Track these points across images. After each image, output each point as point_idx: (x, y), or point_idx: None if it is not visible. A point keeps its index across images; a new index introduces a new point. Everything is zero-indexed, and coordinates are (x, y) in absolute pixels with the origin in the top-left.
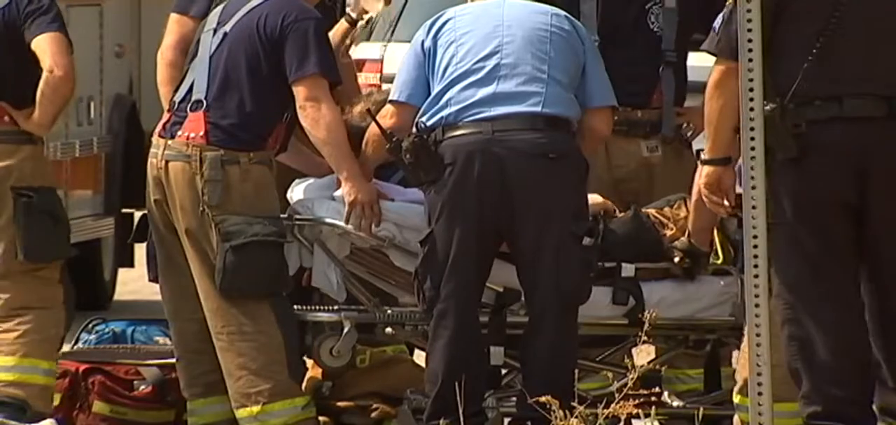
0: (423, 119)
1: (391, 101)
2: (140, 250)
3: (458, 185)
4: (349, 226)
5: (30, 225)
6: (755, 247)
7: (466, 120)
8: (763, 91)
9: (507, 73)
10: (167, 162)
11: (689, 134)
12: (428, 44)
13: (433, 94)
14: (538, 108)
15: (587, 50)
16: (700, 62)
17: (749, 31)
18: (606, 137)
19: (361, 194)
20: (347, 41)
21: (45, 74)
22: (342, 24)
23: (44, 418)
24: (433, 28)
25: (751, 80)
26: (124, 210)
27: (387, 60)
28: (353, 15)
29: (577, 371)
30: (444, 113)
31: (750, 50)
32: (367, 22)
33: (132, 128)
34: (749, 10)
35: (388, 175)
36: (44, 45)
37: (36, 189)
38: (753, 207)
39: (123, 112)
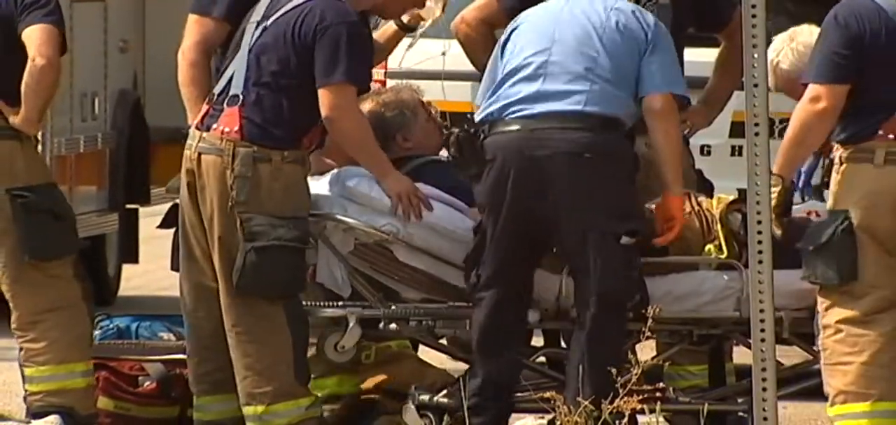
0: (476, 113)
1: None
2: (144, 247)
3: (496, 184)
4: (352, 221)
5: (30, 224)
6: (759, 242)
7: (508, 117)
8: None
9: (554, 70)
10: (200, 154)
11: (686, 131)
12: (500, 43)
13: (492, 88)
14: (580, 106)
15: (651, 38)
16: (695, 58)
17: (753, 26)
18: (669, 119)
19: (401, 185)
20: (396, 44)
21: (29, 65)
22: (391, 27)
23: (93, 420)
24: (509, 27)
25: (754, 75)
26: (128, 206)
27: (391, 56)
28: (405, 19)
29: (617, 371)
30: (492, 108)
31: (754, 46)
32: (415, 30)
33: (136, 123)
34: (754, 5)
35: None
36: (32, 35)
37: (32, 187)
38: (757, 201)
39: (127, 108)
